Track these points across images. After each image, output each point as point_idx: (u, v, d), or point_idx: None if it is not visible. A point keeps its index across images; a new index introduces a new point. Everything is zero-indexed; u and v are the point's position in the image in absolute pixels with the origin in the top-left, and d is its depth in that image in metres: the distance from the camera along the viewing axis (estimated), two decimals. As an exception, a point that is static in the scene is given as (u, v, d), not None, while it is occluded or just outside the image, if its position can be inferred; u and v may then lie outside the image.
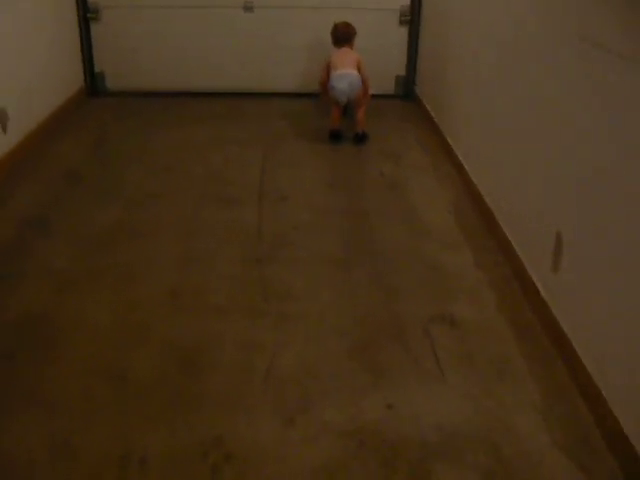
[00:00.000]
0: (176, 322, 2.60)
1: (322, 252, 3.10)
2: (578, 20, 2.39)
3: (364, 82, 4.36)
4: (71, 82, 5.06)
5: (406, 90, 5.33)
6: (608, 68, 2.14)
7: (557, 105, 2.56)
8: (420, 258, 3.07)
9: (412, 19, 5.11)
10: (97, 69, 5.27)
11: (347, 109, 4.69)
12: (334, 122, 4.42)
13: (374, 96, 5.06)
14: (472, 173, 3.67)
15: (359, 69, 4.35)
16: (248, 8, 5.08)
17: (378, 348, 2.48)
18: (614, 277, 2.11)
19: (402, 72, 5.29)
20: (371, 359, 2.42)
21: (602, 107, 2.20)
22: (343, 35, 4.49)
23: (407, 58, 5.25)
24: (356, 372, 2.35)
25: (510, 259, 3.00)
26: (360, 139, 4.39)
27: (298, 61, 5.20)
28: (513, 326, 2.62)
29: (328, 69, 4.39)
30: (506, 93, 3.18)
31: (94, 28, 5.16)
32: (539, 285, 2.67)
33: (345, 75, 4.28)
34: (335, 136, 4.39)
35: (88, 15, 5.09)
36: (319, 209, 3.50)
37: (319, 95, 4.75)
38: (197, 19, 5.11)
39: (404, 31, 5.17)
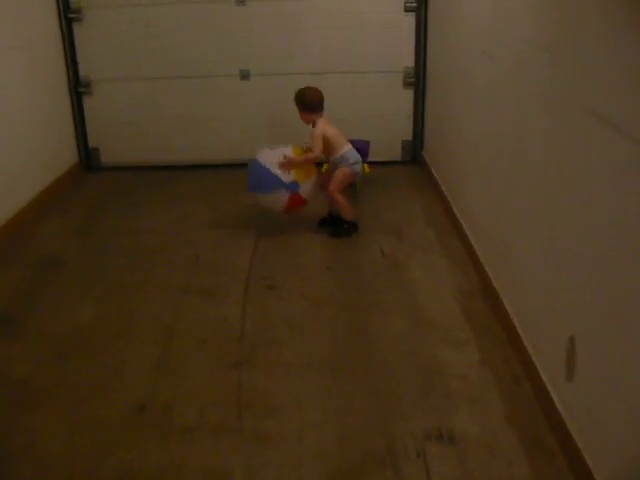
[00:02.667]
0: (137, 445, 2.30)
1: (309, 354, 2.78)
2: (586, 93, 2.09)
3: None
4: (64, 159, 4.88)
5: (413, 156, 5.06)
6: (619, 148, 1.84)
7: (574, 190, 2.25)
8: (419, 358, 2.74)
9: (417, 81, 4.86)
10: (91, 144, 5.09)
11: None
12: (352, 211, 3.93)
13: (381, 163, 4.81)
14: (480, 253, 3.34)
15: None
16: (245, 76, 4.87)
17: (363, 476, 2.14)
18: (636, 391, 1.76)
19: (408, 137, 5.02)
20: (354, 492, 2.09)
21: (618, 193, 1.89)
22: (320, 100, 3.88)
23: (413, 122, 4.98)
24: (335, 510, 2.01)
25: (521, 356, 2.66)
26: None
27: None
28: (523, 442, 2.27)
29: (323, 144, 3.86)
30: (516, 167, 2.87)
31: (86, 102, 4.99)
32: (552, 393, 2.33)
33: (354, 150, 3.90)
34: (355, 226, 3.92)
35: (80, 89, 4.92)
36: (310, 299, 3.19)
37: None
38: (193, 89, 4.92)
39: (409, 93, 4.92)
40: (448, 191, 4.15)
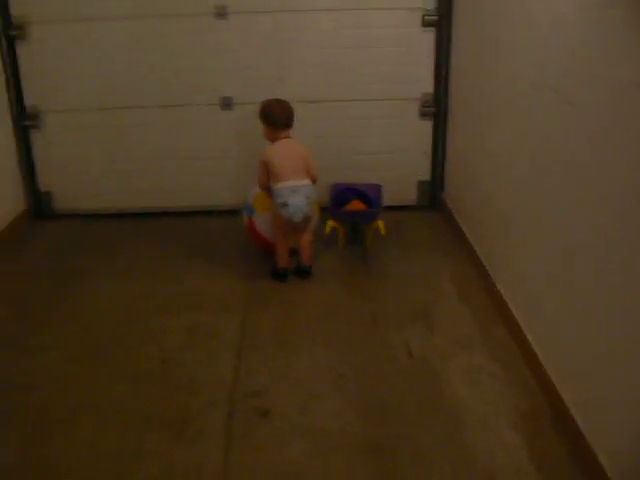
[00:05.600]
0: None
1: None
2: None
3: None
4: (8, 206, 3.98)
5: (432, 199, 4.19)
6: None
7: None
8: None
9: (437, 110, 3.98)
10: (42, 188, 4.19)
11: (358, 231, 3.62)
12: (283, 258, 3.36)
13: (392, 208, 3.94)
14: (539, 349, 2.49)
15: (308, 170, 3.24)
16: (226, 105, 3.99)
17: None
18: None
19: (426, 177, 4.15)
20: None
21: None
22: (286, 115, 3.24)
23: (432, 159, 4.11)
24: None
25: None
26: (307, 273, 3.38)
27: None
28: None
29: (267, 172, 3.22)
30: (578, 214, 2.02)
31: (35, 137, 4.09)
32: None
33: (300, 187, 3.18)
34: (283, 276, 3.37)
35: (26, 122, 4.02)
36: (318, 435, 2.32)
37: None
38: (163, 120, 4.03)
39: (427, 125, 4.04)
40: (482, 251, 3.30)
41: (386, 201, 3.87)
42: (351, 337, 2.88)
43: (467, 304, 3.09)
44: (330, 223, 3.55)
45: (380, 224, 3.53)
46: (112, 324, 3.02)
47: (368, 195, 3.69)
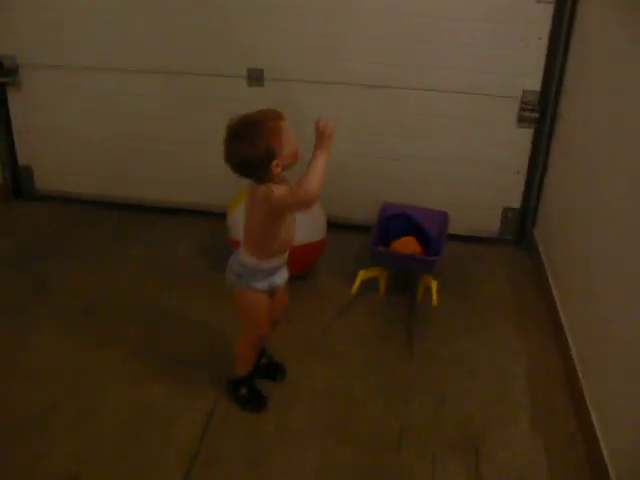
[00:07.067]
0: None
1: None
2: None
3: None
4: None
5: (519, 233, 3.09)
6: None
7: None
8: None
9: (542, 116, 2.85)
10: (21, 161, 3.32)
11: (407, 277, 2.61)
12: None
13: (464, 238, 2.91)
14: None
15: None
16: (255, 79, 2.99)
17: None
18: None
19: (515, 203, 3.05)
20: None
21: None
22: None
23: (525, 181, 3.00)
24: None
25: None
26: (283, 372, 2.22)
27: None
28: None
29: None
30: None
31: (13, 99, 3.20)
32: None
33: None
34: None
35: (1, 80, 3.14)
36: None
37: None
38: (172, 93, 3.10)
39: (525, 134, 2.92)
40: (577, 338, 2.23)
41: (457, 229, 2.84)
42: (359, 474, 1.87)
43: (542, 435, 2.02)
44: (362, 274, 2.52)
45: (433, 285, 2.47)
46: (45, 389, 2.13)
47: (426, 230, 2.63)
